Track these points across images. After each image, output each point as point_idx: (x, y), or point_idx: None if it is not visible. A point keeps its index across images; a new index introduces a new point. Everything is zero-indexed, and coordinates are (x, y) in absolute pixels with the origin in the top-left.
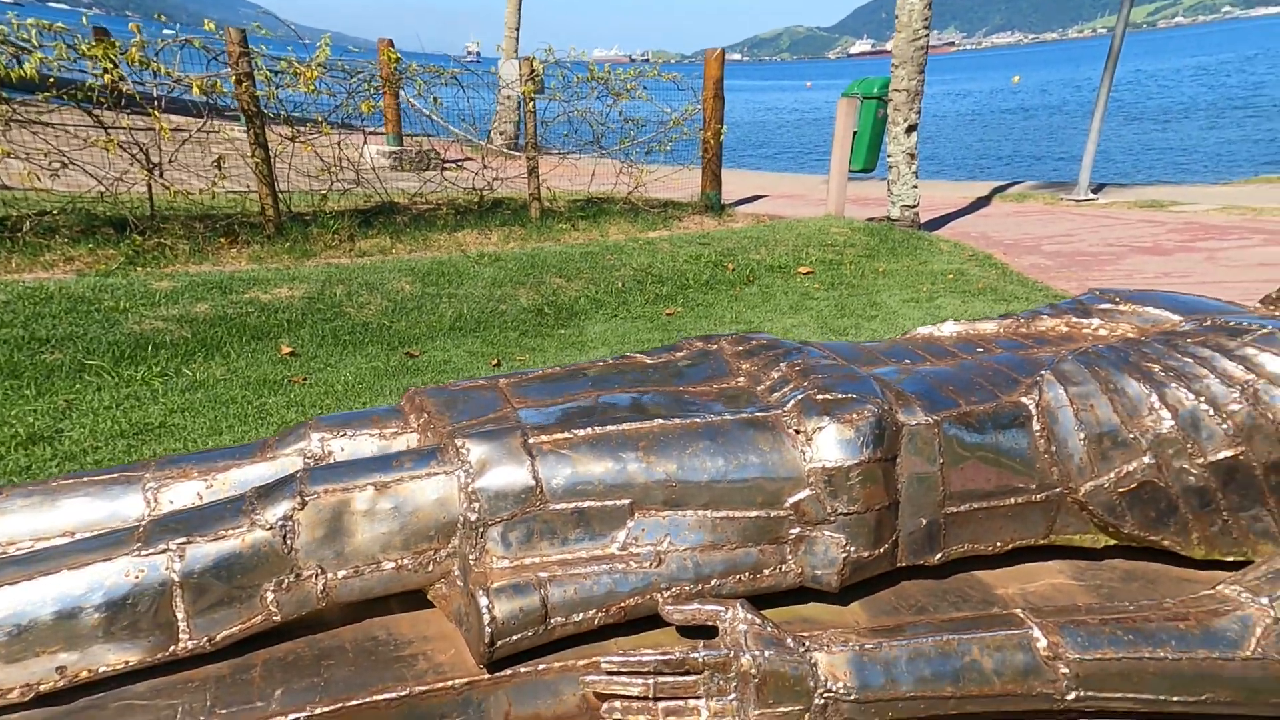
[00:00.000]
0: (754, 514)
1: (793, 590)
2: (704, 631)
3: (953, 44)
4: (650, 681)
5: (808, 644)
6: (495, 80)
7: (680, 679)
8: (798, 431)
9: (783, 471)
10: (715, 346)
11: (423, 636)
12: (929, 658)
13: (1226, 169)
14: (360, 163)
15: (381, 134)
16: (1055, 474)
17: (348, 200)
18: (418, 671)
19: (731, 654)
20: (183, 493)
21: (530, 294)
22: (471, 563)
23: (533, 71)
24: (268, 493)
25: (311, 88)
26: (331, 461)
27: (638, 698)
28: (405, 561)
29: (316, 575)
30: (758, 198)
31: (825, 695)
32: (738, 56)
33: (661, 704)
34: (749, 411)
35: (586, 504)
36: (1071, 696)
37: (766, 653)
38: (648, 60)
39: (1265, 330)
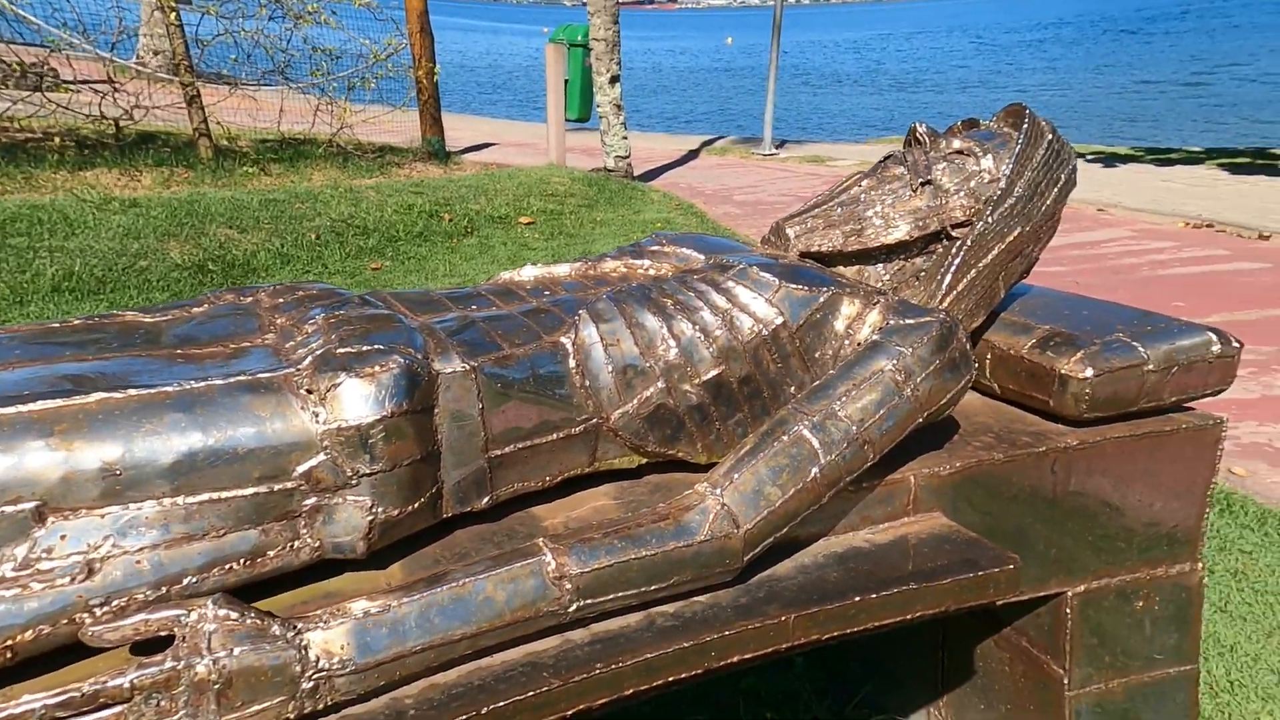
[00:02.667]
0: (250, 491)
1: (322, 565)
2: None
3: (675, 1)
4: None
5: (300, 626)
6: None
7: (96, 717)
8: (309, 391)
9: (289, 438)
10: (251, 299)
11: None
12: (442, 605)
13: (865, 130)
14: None
15: None
16: (591, 406)
17: None
18: None
19: (182, 665)
20: None
21: (187, 248)
22: None
23: None
24: None
25: None
26: None
27: None
28: None
29: None
30: (488, 145)
31: (315, 676)
32: None
33: None
34: (249, 373)
35: None
36: (574, 608)
37: (236, 650)
38: None
39: (741, 266)
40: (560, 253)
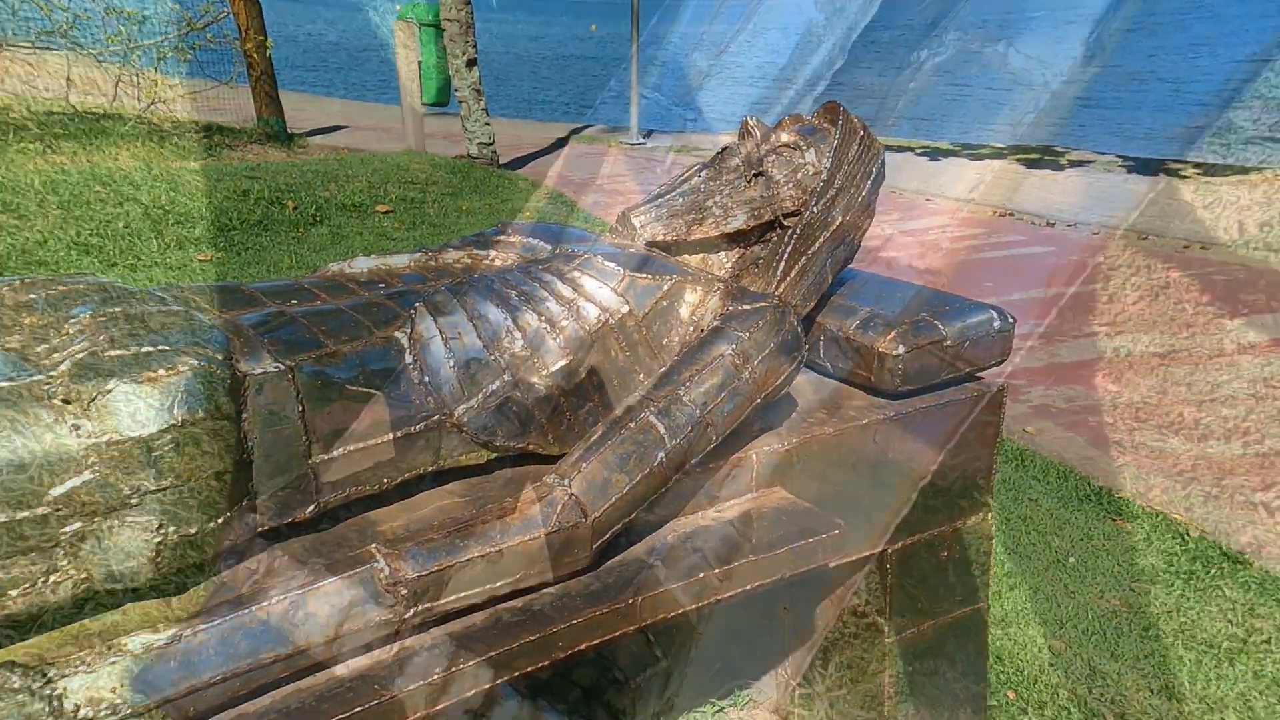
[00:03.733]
0: None
1: (107, 595)
2: None
3: None
4: None
5: (52, 674)
6: None
7: None
8: (66, 401)
9: (33, 457)
10: None
11: None
12: (250, 628)
13: (724, 122)
14: None
15: None
16: (432, 403)
17: None
18: None
19: None
20: None
21: None
22: None
23: None
24: None
25: None
26: None
27: None
28: None
29: None
30: (338, 128)
31: None
32: None
33: None
34: None
35: None
36: (411, 614)
37: None
38: None
39: (585, 256)
40: (424, 243)
